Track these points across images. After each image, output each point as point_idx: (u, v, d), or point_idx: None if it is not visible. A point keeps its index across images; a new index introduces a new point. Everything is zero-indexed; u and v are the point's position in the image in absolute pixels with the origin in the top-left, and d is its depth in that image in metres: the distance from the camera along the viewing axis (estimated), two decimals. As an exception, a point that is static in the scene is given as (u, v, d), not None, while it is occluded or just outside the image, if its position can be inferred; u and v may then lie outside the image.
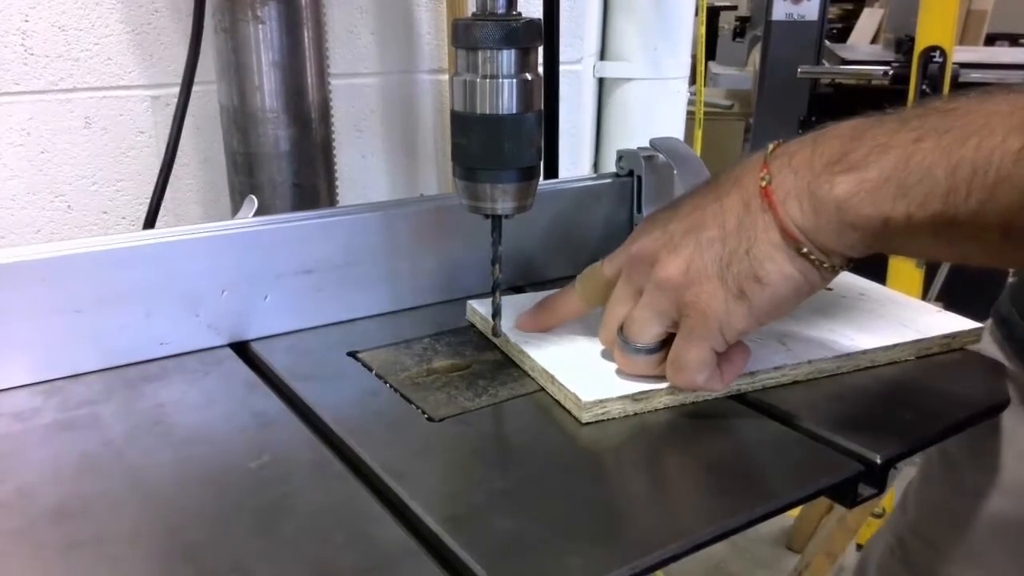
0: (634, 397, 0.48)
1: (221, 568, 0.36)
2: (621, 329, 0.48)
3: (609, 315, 0.49)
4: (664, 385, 0.48)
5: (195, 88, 0.78)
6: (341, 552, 0.37)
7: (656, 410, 0.49)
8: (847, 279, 0.65)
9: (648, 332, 0.47)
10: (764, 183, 0.42)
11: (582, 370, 0.50)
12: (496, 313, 0.57)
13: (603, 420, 0.48)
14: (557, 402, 0.50)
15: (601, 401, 0.47)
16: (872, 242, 0.41)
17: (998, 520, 0.58)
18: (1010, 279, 0.67)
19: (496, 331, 0.57)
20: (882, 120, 0.40)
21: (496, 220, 0.54)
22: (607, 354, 0.51)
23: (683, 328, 0.45)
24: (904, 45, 1.92)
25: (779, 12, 2.07)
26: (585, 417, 0.47)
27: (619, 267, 0.49)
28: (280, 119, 0.75)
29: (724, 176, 0.45)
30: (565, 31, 1.10)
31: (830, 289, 0.63)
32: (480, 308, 0.60)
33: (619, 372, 0.50)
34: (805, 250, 0.41)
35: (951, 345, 0.56)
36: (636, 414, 0.48)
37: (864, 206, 0.39)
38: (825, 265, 0.42)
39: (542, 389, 0.51)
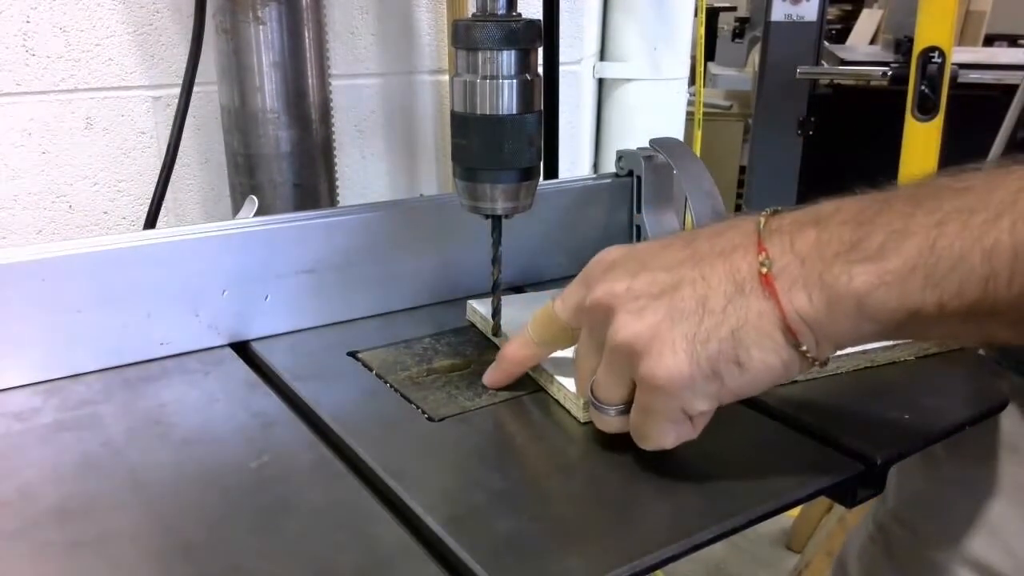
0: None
1: (221, 568, 0.36)
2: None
3: (579, 370, 0.46)
4: None
5: (196, 89, 0.78)
6: (341, 552, 0.37)
7: None
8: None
9: (612, 395, 0.43)
10: (764, 269, 0.38)
11: None
12: (496, 313, 0.57)
13: None
14: (557, 402, 0.50)
15: None
16: (891, 333, 0.38)
17: (978, 509, 0.59)
18: None
19: (496, 330, 0.57)
20: (889, 202, 0.37)
21: (496, 220, 0.54)
22: None
23: (640, 400, 0.41)
24: (903, 46, 1.92)
25: (778, 13, 2.07)
26: (584, 416, 0.47)
27: (573, 311, 0.45)
28: (281, 120, 0.75)
29: (704, 239, 0.41)
30: (565, 31, 1.10)
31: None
32: (480, 308, 0.60)
33: None
34: (803, 347, 0.38)
35: (950, 346, 0.56)
36: None
37: (889, 299, 0.36)
38: (812, 358, 0.38)
39: (542, 389, 0.51)
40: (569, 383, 0.49)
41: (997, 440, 0.58)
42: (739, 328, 0.38)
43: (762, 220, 0.40)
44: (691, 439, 0.42)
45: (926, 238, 0.35)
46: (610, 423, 0.44)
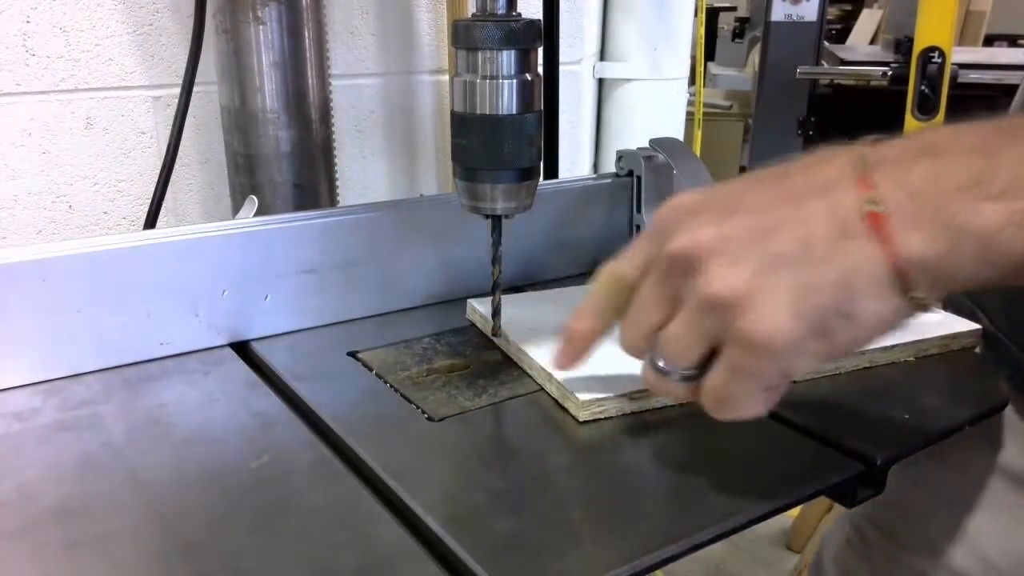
0: (631, 396, 0.48)
1: (221, 568, 0.36)
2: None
3: (636, 321, 0.39)
4: None
5: (196, 89, 0.78)
6: (341, 552, 0.37)
7: (653, 409, 0.49)
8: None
9: (689, 355, 0.37)
10: (872, 207, 0.33)
11: (580, 368, 0.50)
12: (496, 313, 0.57)
13: (602, 419, 0.48)
14: (556, 401, 0.50)
15: (599, 400, 0.47)
16: (1008, 277, 0.34)
17: (957, 517, 0.58)
18: None
19: (496, 331, 0.57)
20: (1015, 134, 0.33)
21: (496, 220, 0.54)
22: (605, 352, 0.51)
23: (729, 359, 0.36)
24: (903, 46, 1.92)
25: (778, 13, 2.07)
26: (582, 416, 0.47)
27: (643, 267, 0.39)
28: (281, 120, 0.75)
29: (797, 173, 0.36)
30: (565, 31, 1.10)
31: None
32: (480, 307, 0.60)
33: (617, 370, 0.50)
34: (914, 292, 0.34)
35: (950, 346, 0.56)
36: (634, 413, 0.48)
37: (1017, 241, 0.32)
38: (924, 304, 0.35)
39: (542, 389, 0.51)
40: (567, 381, 0.49)
41: (981, 449, 0.58)
42: (847, 276, 0.34)
43: (865, 152, 0.35)
44: (773, 407, 0.38)
45: None
46: (673, 389, 0.39)
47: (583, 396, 0.47)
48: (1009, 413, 0.55)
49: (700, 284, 0.35)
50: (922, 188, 0.33)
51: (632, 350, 0.41)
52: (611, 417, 0.48)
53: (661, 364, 0.39)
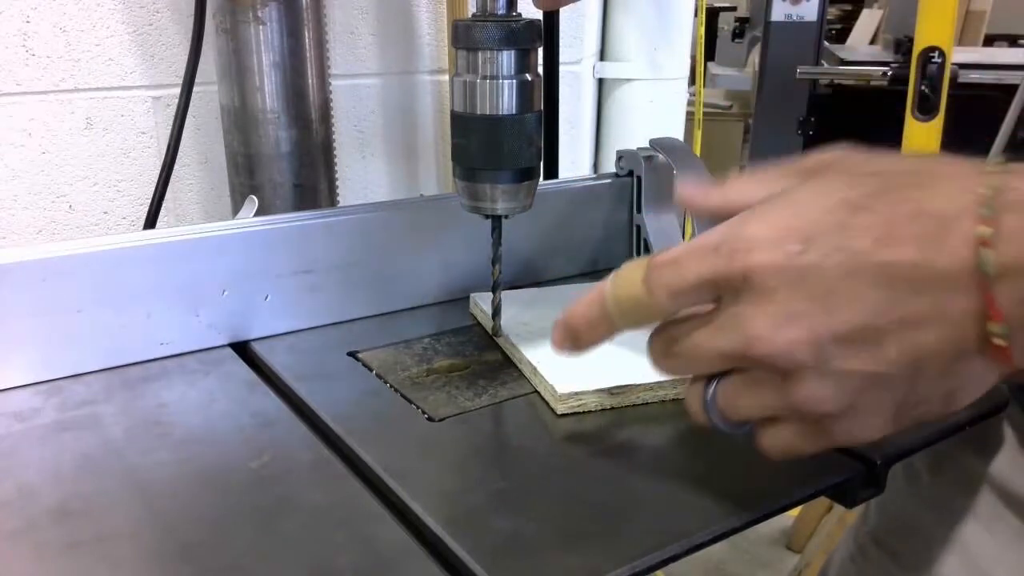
0: (611, 391, 0.48)
1: (221, 568, 0.36)
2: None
3: (687, 363, 0.35)
4: (642, 381, 0.49)
5: (196, 89, 0.78)
6: (341, 552, 0.37)
7: (635, 405, 0.49)
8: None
9: (751, 419, 0.35)
10: (998, 339, 0.29)
11: (566, 362, 0.50)
12: (496, 313, 0.57)
13: (580, 412, 0.48)
14: (537, 393, 0.50)
15: (576, 394, 0.48)
16: None
17: (957, 534, 0.58)
18: None
19: (496, 331, 0.57)
20: None
21: (496, 220, 0.54)
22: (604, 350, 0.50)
23: (811, 434, 0.34)
24: (903, 46, 1.92)
25: (778, 13, 2.07)
26: (560, 408, 0.48)
27: (680, 303, 0.34)
28: (281, 120, 0.75)
29: (905, 260, 0.29)
30: (565, 31, 1.10)
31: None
32: (482, 302, 0.60)
33: (604, 365, 0.48)
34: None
35: None
36: (613, 408, 0.49)
37: None
38: None
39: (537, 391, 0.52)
40: (549, 374, 0.49)
41: (982, 467, 0.57)
42: (956, 390, 0.32)
43: (983, 250, 0.28)
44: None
45: None
46: (714, 428, 0.36)
47: (562, 389, 0.48)
48: (1009, 434, 0.55)
49: (792, 392, 0.32)
50: None
51: (695, 407, 0.36)
52: (590, 411, 0.48)
53: (710, 404, 0.36)
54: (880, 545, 0.65)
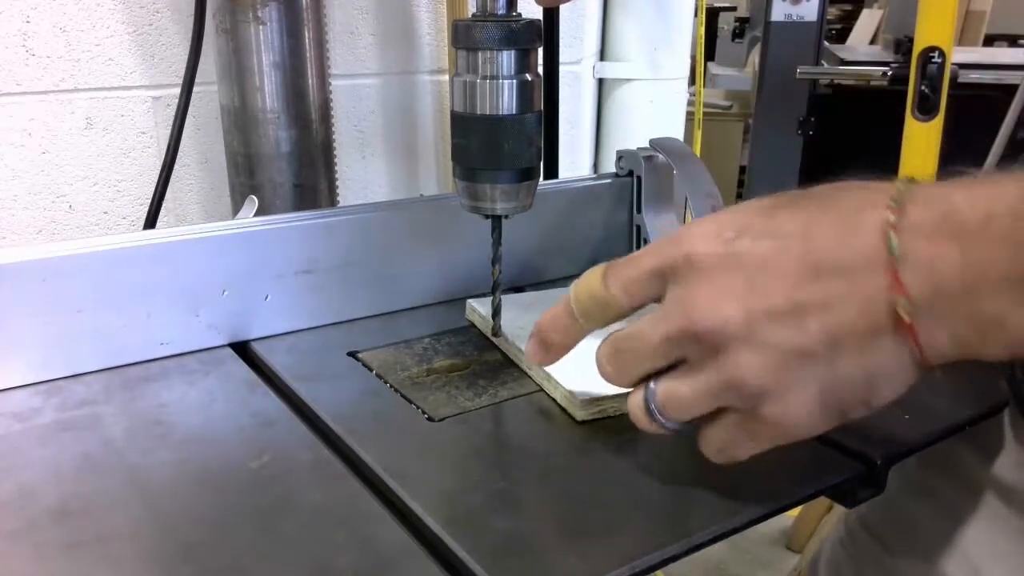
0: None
1: (221, 568, 0.36)
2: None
3: (630, 364, 0.38)
4: None
5: (196, 89, 0.78)
6: (341, 552, 0.37)
7: None
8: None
9: (692, 414, 0.38)
10: (901, 312, 0.32)
11: (579, 368, 0.50)
12: (496, 313, 0.57)
13: (601, 419, 0.48)
14: (556, 401, 0.50)
15: (597, 399, 0.47)
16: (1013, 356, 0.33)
17: (950, 527, 0.58)
18: None
19: (496, 331, 0.57)
20: None
21: (496, 220, 0.54)
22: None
23: (740, 425, 0.37)
24: (903, 46, 1.92)
25: (778, 13, 2.07)
26: (580, 415, 0.47)
27: (643, 294, 0.38)
28: (281, 120, 0.75)
29: (821, 239, 0.34)
30: (565, 31, 1.10)
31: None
32: (479, 307, 0.60)
33: None
34: (936, 372, 0.34)
35: None
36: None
37: None
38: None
39: (542, 389, 0.51)
40: (565, 381, 0.49)
41: (974, 457, 0.58)
42: (875, 373, 0.34)
43: (892, 233, 0.32)
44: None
45: None
46: (660, 432, 0.39)
47: (582, 395, 0.47)
48: (1005, 424, 0.55)
49: (727, 367, 0.35)
50: (950, 286, 0.32)
51: (615, 383, 0.39)
52: (610, 416, 0.48)
53: (653, 408, 0.38)
54: (869, 531, 0.65)
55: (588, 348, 0.52)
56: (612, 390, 0.48)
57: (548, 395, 0.51)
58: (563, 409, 0.49)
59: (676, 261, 0.36)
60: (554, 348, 0.43)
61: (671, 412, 0.38)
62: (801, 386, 0.34)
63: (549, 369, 0.50)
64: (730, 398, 0.36)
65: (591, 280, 0.40)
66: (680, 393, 0.37)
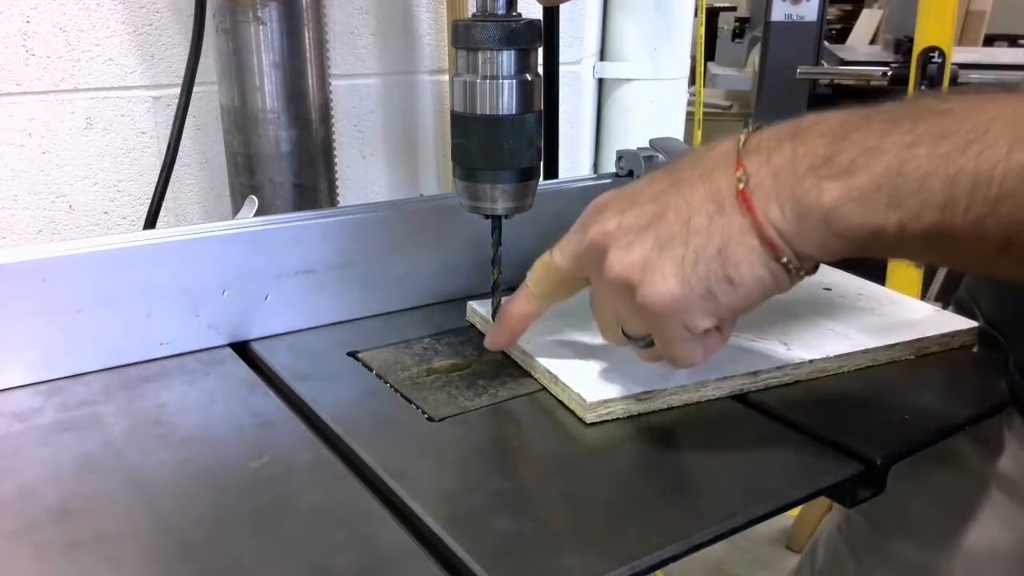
0: (638, 397, 0.48)
1: (221, 567, 0.36)
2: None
3: (601, 316, 0.45)
4: (668, 385, 0.48)
5: (196, 89, 0.78)
6: (341, 552, 0.37)
7: (659, 410, 0.49)
8: (845, 279, 0.65)
9: (637, 329, 0.44)
10: (741, 184, 0.38)
11: (585, 370, 0.50)
12: (496, 313, 0.57)
13: (606, 420, 0.48)
14: (560, 402, 0.50)
15: (605, 401, 0.47)
16: (857, 250, 0.38)
17: (942, 514, 0.58)
18: None
19: (496, 331, 0.58)
20: (869, 118, 0.37)
21: (496, 220, 0.54)
22: (609, 352, 0.51)
23: (649, 328, 0.42)
24: (903, 46, 1.92)
25: (778, 13, 2.07)
26: (589, 417, 0.47)
27: (572, 259, 0.45)
28: (281, 120, 0.75)
29: (687, 166, 0.41)
30: (565, 31, 1.10)
31: (828, 289, 0.63)
32: (480, 308, 0.60)
33: (623, 371, 0.50)
34: (784, 259, 0.38)
35: (950, 344, 0.56)
36: (639, 414, 0.48)
37: (853, 215, 0.36)
38: (798, 271, 0.39)
39: (543, 389, 0.51)
40: (573, 383, 0.49)
41: (970, 447, 0.58)
42: (725, 246, 0.39)
43: (742, 138, 0.40)
44: (723, 344, 0.44)
45: (896, 158, 0.35)
46: (646, 355, 0.45)
47: (591, 398, 0.47)
48: (1004, 415, 0.55)
49: (604, 269, 0.42)
50: (781, 167, 0.38)
51: (616, 342, 0.46)
52: (617, 419, 0.48)
53: (635, 342, 0.45)
54: (864, 514, 0.66)
55: (595, 351, 0.52)
56: (619, 392, 0.48)
57: (554, 396, 0.50)
58: (569, 410, 0.49)
59: (585, 213, 0.45)
60: (516, 332, 0.51)
61: (629, 331, 0.44)
62: (660, 266, 0.40)
63: (556, 371, 0.50)
64: (624, 298, 0.42)
65: (544, 260, 0.47)
66: (622, 313, 0.43)
